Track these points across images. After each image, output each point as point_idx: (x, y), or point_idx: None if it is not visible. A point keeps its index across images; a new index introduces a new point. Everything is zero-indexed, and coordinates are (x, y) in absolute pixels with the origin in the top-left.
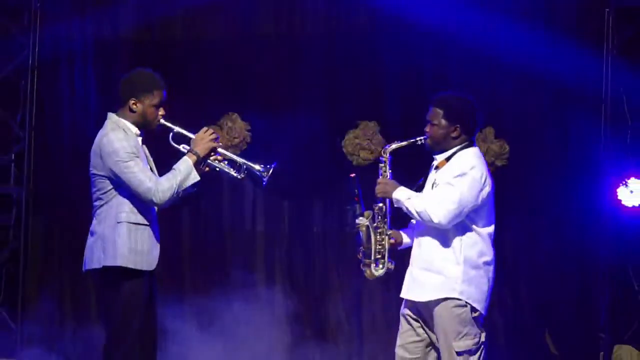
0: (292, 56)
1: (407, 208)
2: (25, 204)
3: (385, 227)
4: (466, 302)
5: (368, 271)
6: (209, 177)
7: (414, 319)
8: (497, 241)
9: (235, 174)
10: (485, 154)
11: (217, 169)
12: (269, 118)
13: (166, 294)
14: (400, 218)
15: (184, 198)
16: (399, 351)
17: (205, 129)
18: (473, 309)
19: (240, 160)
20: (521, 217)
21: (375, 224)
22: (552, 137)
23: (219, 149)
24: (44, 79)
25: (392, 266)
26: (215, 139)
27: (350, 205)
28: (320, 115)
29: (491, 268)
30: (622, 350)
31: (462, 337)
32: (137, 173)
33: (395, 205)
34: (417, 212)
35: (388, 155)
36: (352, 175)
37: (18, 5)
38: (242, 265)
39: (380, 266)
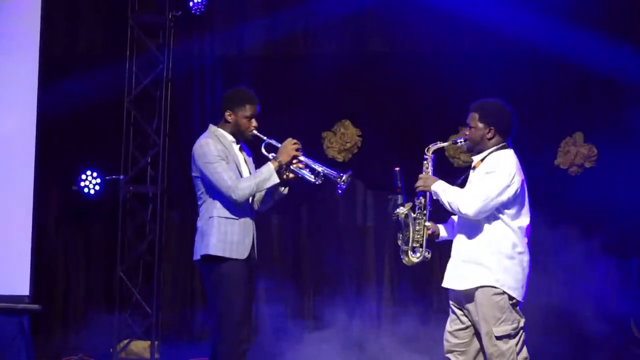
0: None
1: (441, 199)
2: (160, 201)
3: (424, 218)
4: (503, 290)
5: (406, 258)
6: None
7: (457, 307)
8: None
9: (313, 180)
10: (575, 156)
11: (299, 175)
12: (380, 125)
13: None
14: (441, 214)
15: (276, 201)
16: (446, 336)
17: (289, 139)
18: (510, 297)
19: (319, 168)
20: (609, 212)
21: (414, 215)
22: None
23: (300, 157)
24: (176, 91)
25: (428, 255)
26: (298, 149)
27: (392, 195)
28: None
29: (525, 258)
30: None
31: (501, 322)
32: (221, 173)
33: (434, 198)
34: (448, 203)
35: (431, 153)
36: (397, 168)
37: (155, 25)
38: None
39: (418, 254)
